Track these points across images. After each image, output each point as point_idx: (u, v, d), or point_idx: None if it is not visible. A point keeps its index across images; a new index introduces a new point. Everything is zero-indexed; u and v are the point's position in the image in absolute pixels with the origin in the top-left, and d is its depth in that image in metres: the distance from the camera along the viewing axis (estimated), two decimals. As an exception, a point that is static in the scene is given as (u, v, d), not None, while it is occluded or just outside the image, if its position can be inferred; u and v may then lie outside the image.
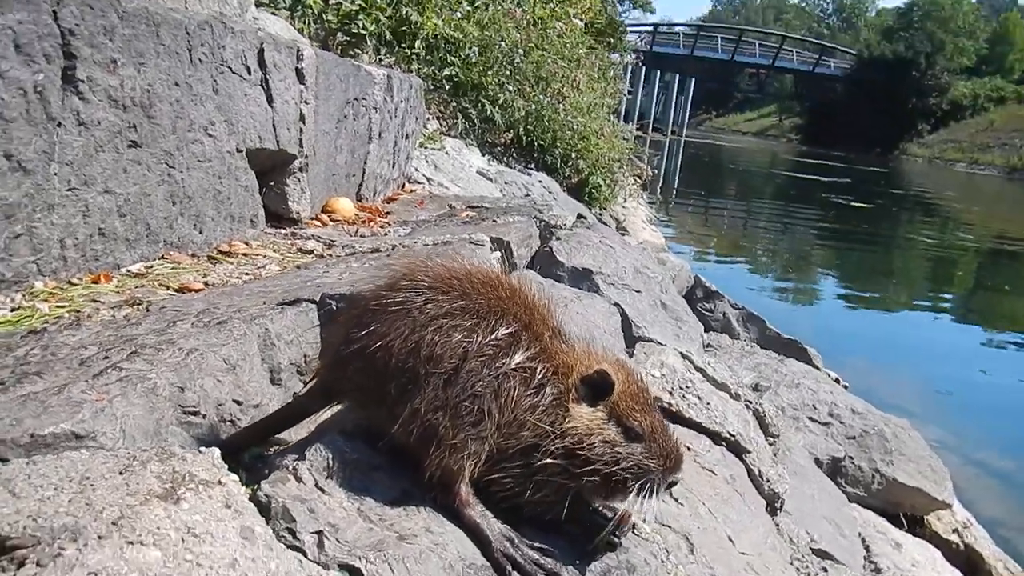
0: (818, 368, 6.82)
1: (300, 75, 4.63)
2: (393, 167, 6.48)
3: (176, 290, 3.23)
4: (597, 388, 1.99)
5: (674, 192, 29.01)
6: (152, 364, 1.97)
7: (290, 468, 1.77)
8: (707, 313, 6.95)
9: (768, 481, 4.09)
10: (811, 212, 29.17)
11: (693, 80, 60.37)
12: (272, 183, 4.70)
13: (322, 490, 1.76)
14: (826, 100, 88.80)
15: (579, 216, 6.25)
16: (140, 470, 1.48)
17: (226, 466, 1.61)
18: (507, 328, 1.92)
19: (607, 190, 11.03)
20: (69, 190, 3.03)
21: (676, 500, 3.27)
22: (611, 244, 5.13)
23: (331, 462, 1.82)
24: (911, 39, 78.63)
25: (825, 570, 3.82)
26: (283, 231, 4.63)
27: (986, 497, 7.86)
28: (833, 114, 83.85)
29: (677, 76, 58.26)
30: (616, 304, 4.61)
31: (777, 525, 3.97)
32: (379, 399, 1.88)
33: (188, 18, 3.63)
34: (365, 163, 5.84)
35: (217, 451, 1.63)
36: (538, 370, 1.94)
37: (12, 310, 2.70)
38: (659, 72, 55.97)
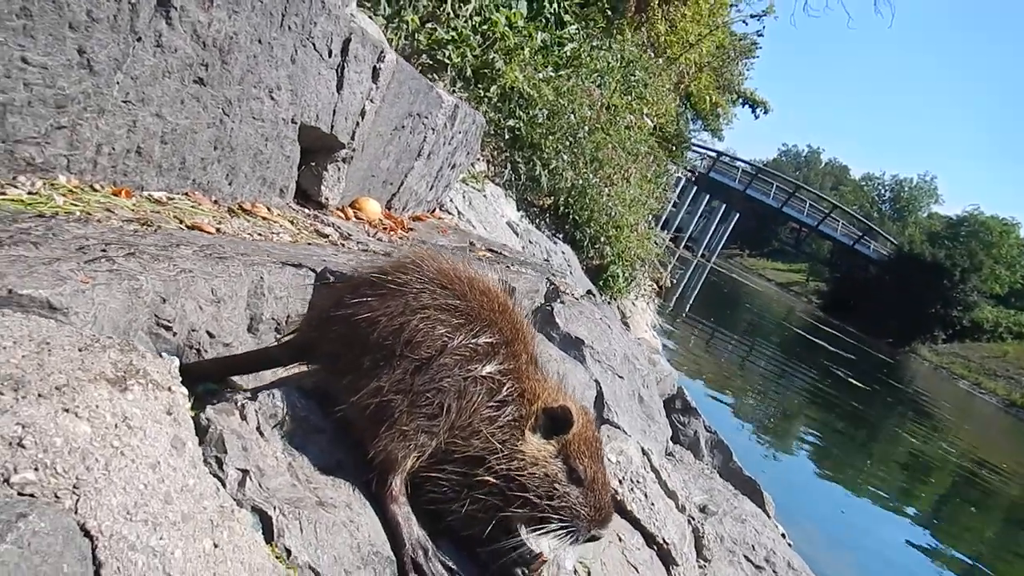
0: (768, 515, 6.74)
1: (375, 74, 4.77)
2: (431, 190, 6.59)
3: (188, 227, 3.28)
4: (556, 422, 2.00)
5: (686, 309, 29.14)
6: (144, 268, 1.99)
7: (238, 404, 1.78)
8: (680, 426, 6.92)
9: (684, 597, 4.01)
10: (809, 374, 29.16)
11: (737, 215, 61.30)
12: (313, 163, 4.80)
13: (261, 434, 1.76)
14: (856, 276, 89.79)
15: (588, 292, 6.31)
16: (99, 352, 1.50)
17: (179, 378, 1.62)
18: (489, 337, 1.95)
19: (623, 283, 11.12)
20: (125, 102, 3.11)
21: (592, 582, 3.23)
22: (610, 324, 5.17)
23: (280, 412, 1.83)
24: (953, 250, 79.82)
25: None
26: (307, 211, 4.70)
27: None
28: (859, 292, 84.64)
29: (724, 206, 59.18)
30: (596, 380, 4.62)
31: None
32: (349, 368, 1.90)
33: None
34: (406, 176, 5.95)
35: (176, 361, 1.64)
36: (506, 386, 1.97)
37: (29, 193, 2.75)
38: (708, 196, 56.91)
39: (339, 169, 4.90)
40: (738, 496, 6.35)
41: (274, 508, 1.60)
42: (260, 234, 3.76)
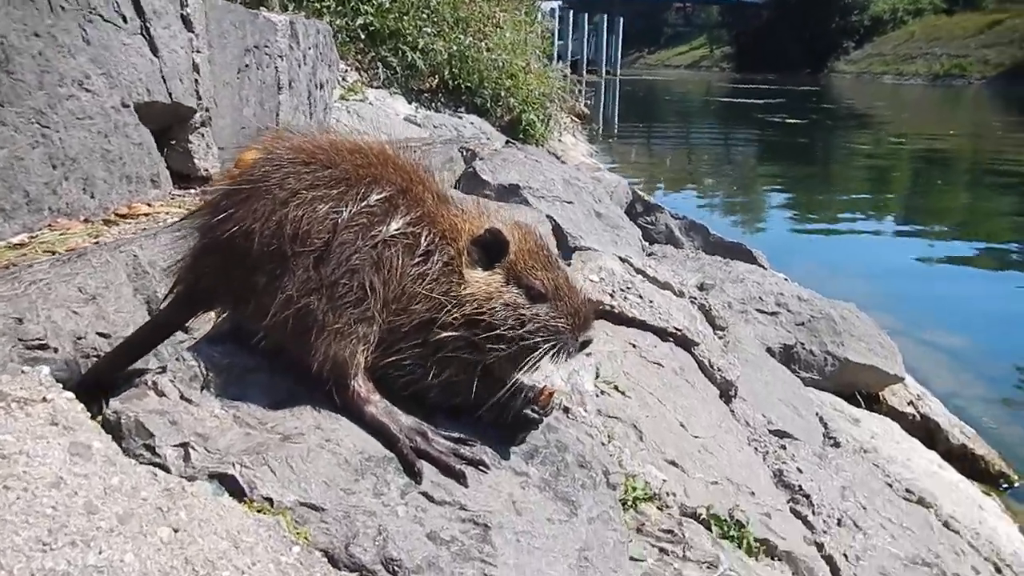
0: (764, 267, 6.71)
1: (187, 22, 4.26)
2: (310, 118, 6.13)
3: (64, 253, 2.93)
4: (490, 249, 1.77)
5: (615, 129, 28.66)
6: (-11, 300, 1.70)
7: (149, 384, 1.54)
8: (649, 226, 6.78)
9: (719, 370, 3.94)
10: (749, 133, 29.11)
11: (621, 19, 59.67)
12: (173, 141, 4.36)
13: (188, 400, 1.52)
14: (753, 27, 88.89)
15: (508, 142, 5.99)
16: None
17: (59, 385, 1.36)
18: (380, 193, 1.69)
19: (541, 126, 10.73)
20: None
21: (622, 393, 3.10)
22: (538, 160, 4.90)
23: (200, 371, 1.59)
24: (826, -39, 78.65)
25: (784, 447, 3.70)
26: (192, 190, 4.30)
27: (937, 372, 7.87)
28: (761, 40, 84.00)
29: (605, 16, 57.55)
30: (549, 216, 4.40)
31: (732, 411, 3.84)
32: (247, 293, 1.64)
33: (38, -39, 3.24)
34: (277, 115, 5.49)
35: (45, 369, 1.39)
36: (422, 236, 1.72)
37: None
38: (586, 14, 55.19)
39: (203, 136, 4.47)
40: (729, 263, 6.28)
41: (233, 465, 1.39)
42: (146, 230, 3.41)
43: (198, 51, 4.35)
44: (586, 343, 1.82)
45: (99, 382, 1.68)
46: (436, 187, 1.85)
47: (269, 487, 1.39)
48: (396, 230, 1.68)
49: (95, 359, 1.79)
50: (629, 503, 2.27)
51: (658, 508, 2.35)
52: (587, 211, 4.75)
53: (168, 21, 4.09)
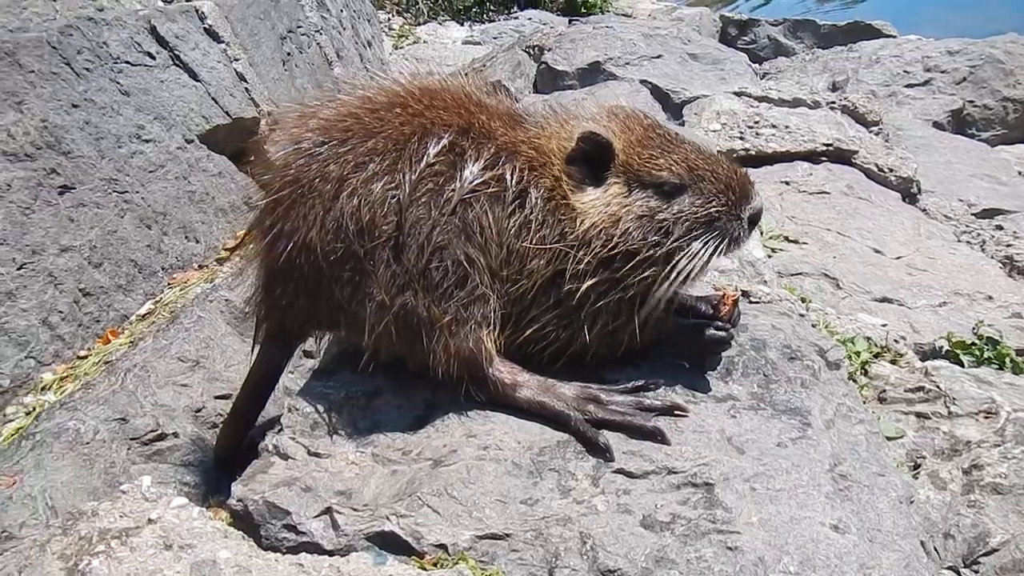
0: (893, 35, 5.72)
1: (212, 34, 3.99)
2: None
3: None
4: (593, 159, 1.36)
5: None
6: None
7: (270, 448, 1.29)
8: (750, 46, 5.94)
9: (891, 171, 3.31)
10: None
11: None
12: (252, 156, 4.17)
13: (317, 455, 1.27)
14: None
15: (570, 21, 5.39)
16: (37, 556, 1.02)
17: (167, 492, 1.14)
18: (438, 143, 1.32)
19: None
20: (20, 269, 2.61)
21: (796, 241, 2.61)
22: (609, 26, 4.30)
23: (320, 416, 1.33)
24: None
25: (999, 227, 3.06)
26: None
27: None
28: None
29: None
30: (642, 82, 3.84)
31: (924, 210, 3.23)
32: (334, 312, 1.35)
33: (46, 31, 3.05)
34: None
35: (147, 480, 1.16)
36: (506, 176, 1.33)
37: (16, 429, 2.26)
38: None
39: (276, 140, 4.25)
40: (852, 47, 5.38)
41: (387, 519, 1.12)
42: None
43: (235, 59, 4.08)
44: (756, 215, 1.38)
45: (230, 457, 1.47)
46: (503, 108, 1.45)
47: (437, 531, 1.12)
48: (472, 181, 1.30)
49: (222, 425, 1.59)
50: (857, 370, 1.83)
51: (891, 363, 1.90)
52: (680, 58, 4.13)
53: (194, 40, 3.83)
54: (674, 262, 1.34)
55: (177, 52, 3.69)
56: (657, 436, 1.32)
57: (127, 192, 3.11)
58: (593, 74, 3.88)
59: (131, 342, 2.61)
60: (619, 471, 1.25)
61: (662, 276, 1.35)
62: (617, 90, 3.47)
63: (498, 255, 1.33)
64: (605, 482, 1.23)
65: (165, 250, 3.22)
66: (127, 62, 3.38)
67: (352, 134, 1.35)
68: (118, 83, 3.27)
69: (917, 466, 1.58)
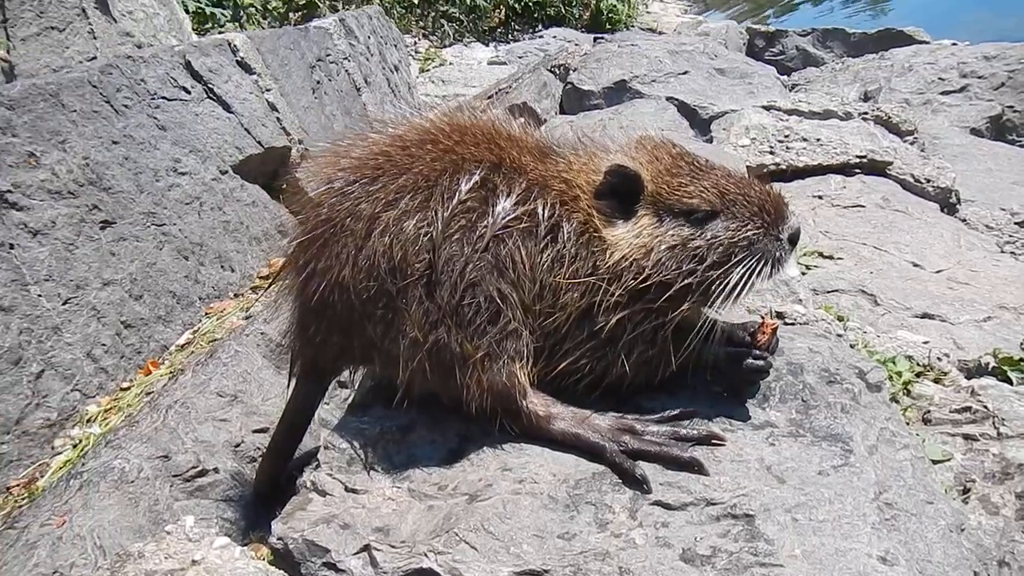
0: (926, 41, 5.63)
1: (244, 66, 4.08)
2: (400, 102, 5.87)
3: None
4: (622, 192, 1.35)
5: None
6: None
7: (308, 484, 1.29)
8: (778, 57, 5.90)
9: (928, 181, 3.25)
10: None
11: None
12: (284, 185, 4.25)
13: (355, 491, 1.27)
14: None
15: (595, 39, 5.40)
16: None
17: (211, 532, 1.15)
18: (470, 179, 1.32)
19: (623, 6, 9.76)
20: (65, 303, 2.67)
21: (831, 257, 2.57)
22: (634, 44, 4.30)
23: (355, 451, 1.33)
24: None
25: (1045, 237, 2.98)
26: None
27: None
28: None
29: None
30: (669, 99, 3.83)
31: (964, 220, 3.15)
32: (368, 349, 1.35)
33: (87, 71, 3.15)
34: (365, 115, 5.26)
35: (190, 520, 1.17)
36: (538, 211, 1.33)
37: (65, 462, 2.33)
38: None
39: (308, 168, 4.32)
40: (884, 55, 5.31)
41: (425, 555, 1.11)
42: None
43: (267, 89, 4.17)
44: (795, 235, 1.36)
45: (269, 491, 1.49)
46: (531, 141, 1.44)
47: (475, 567, 1.11)
48: (504, 217, 1.30)
49: (261, 459, 1.61)
50: (899, 391, 1.79)
51: (935, 382, 1.85)
52: (707, 73, 4.11)
53: (227, 73, 3.92)
54: (713, 288, 1.32)
55: (211, 85, 3.78)
56: (694, 466, 1.29)
57: (165, 224, 3.18)
58: (619, 93, 3.87)
59: (171, 374, 2.66)
60: (657, 503, 1.23)
61: (701, 300, 1.34)
62: (643, 108, 3.45)
63: (531, 290, 1.32)
64: (643, 514, 1.21)
65: (202, 280, 3.28)
66: (164, 97, 3.46)
67: (383, 172, 1.36)
68: (155, 118, 3.35)
69: (967, 491, 1.53)
